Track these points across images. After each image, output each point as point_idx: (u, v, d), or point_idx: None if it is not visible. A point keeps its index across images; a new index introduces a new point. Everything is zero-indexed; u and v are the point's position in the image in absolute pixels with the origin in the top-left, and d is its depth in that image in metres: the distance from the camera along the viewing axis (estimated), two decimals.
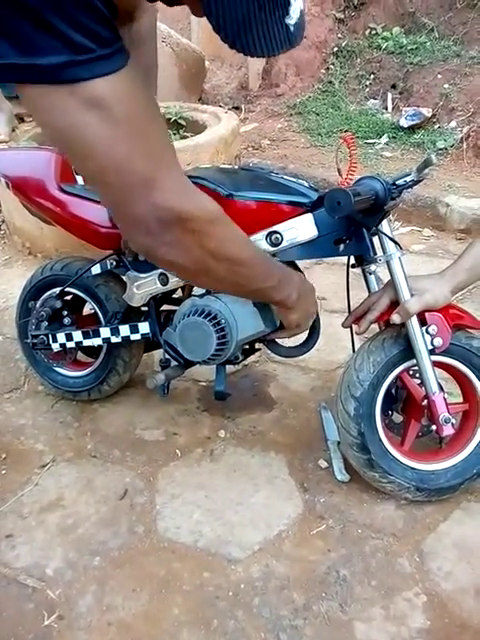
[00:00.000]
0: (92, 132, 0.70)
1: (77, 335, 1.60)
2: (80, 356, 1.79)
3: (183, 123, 3.08)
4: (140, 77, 0.76)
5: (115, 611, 1.22)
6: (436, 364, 1.36)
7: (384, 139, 3.73)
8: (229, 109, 3.69)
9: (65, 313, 1.66)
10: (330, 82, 4.31)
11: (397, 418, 1.51)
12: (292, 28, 0.72)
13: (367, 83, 4.19)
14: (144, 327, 1.55)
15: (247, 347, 1.58)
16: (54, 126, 0.71)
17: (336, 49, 4.42)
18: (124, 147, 0.73)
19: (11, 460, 1.61)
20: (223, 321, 1.38)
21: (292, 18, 0.72)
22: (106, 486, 1.52)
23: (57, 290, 1.66)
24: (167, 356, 1.53)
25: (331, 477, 1.52)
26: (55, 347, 1.64)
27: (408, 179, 1.27)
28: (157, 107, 0.84)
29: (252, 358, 1.88)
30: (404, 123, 3.69)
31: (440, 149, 3.50)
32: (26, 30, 0.63)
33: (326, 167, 3.38)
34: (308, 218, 1.29)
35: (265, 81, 4.52)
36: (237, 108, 4.34)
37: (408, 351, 1.35)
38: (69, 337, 1.62)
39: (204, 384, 1.89)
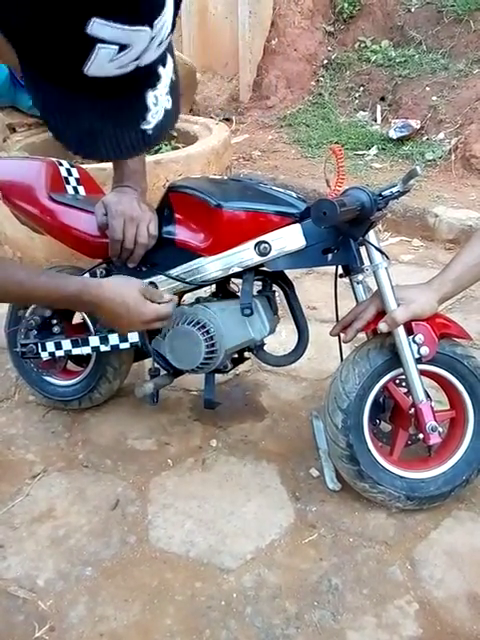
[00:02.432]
0: None
1: (66, 344, 1.60)
2: (70, 365, 1.79)
3: (174, 134, 3.10)
4: None
5: (107, 622, 1.21)
6: (423, 373, 1.37)
7: (373, 151, 3.77)
8: (220, 121, 3.70)
9: (54, 322, 1.65)
10: (320, 94, 4.36)
11: (385, 427, 1.51)
12: (151, 131, 0.66)
13: (356, 95, 4.24)
14: (133, 336, 1.54)
15: (236, 356, 1.58)
16: None
17: (326, 62, 4.47)
18: None
19: (1, 470, 1.60)
20: (212, 330, 1.39)
21: (150, 123, 0.66)
22: (98, 496, 1.52)
23: None
24: (156, 365, 1.54)
25: (323, 486, 1.52)
26: (44, 356, 1.64)
27: (394, 190, 1.29)
28: None
29: (243, 367, 1.89)
30: (393, 135, 3.73)
31: (429, 160, 3.54)
32: None
33: (316, 178, 3.41)
34: (296, 228, 1.30)
35: (256, 93, 4.56)
36: (228, 120, 4.37)
37: (393, 361, 1.36)
38: (58, 346, 1.61)
39: (196, 393, 1.89)
